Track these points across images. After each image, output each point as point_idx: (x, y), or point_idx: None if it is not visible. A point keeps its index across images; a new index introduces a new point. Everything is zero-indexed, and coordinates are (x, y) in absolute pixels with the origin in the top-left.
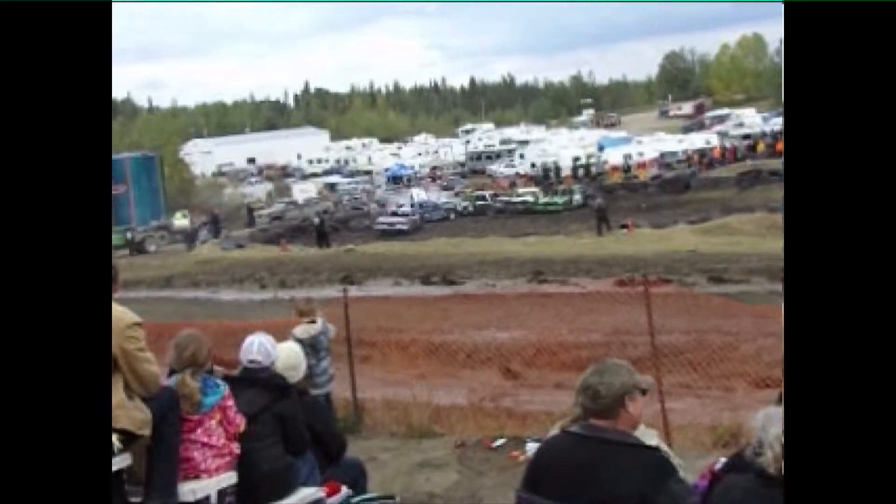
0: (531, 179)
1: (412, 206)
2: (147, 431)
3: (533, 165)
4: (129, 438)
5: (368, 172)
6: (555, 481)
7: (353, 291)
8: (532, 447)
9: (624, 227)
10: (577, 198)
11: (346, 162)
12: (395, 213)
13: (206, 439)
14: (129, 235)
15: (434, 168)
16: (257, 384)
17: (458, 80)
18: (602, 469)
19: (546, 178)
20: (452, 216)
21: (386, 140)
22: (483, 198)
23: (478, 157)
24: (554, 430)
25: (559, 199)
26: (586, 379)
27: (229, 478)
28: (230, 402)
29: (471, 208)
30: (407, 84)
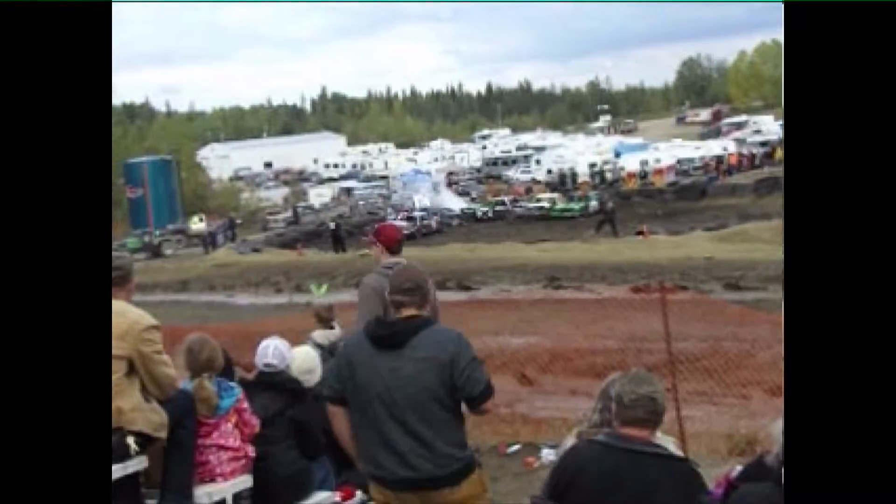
0: (547, 185)
1: (415, 210)
2: (163, 434)
3: (549, 171)
4: (145, 441)
5: (385, 177)
6: (581, 492)
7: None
8: (547, 453)
9: (640, 233)
10: (594, 204)
11: (363, 167)
12: (409, 218)
13: (222, 442)
14: (146, 239)
15: (450, 173)
16: (273, 388)
17: (475, 86)
18: (632, 481)
19: (562, 184)
20: (455, 222)
21: (402, 145)
22: (503, 203)
23: (494, 162)
24: (570, 437)
25: (575, 206)
26: (635, 389)
27: (244, 481)
28: (245, 405)
29: (490, 213)
30: (423, 89)
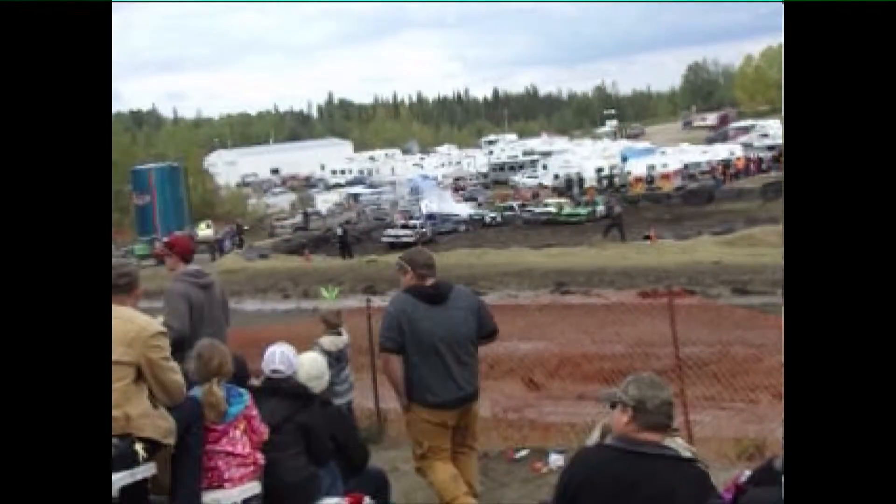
0: (554, 190)
1: (419, 217)
2: (172, 440)
3: (556, 176)
4: (153, 447)
5: (391, 183)
6: (593, 497)
7: (376, 302)
8: (555, 459)
9: (647, 238)
10: (601, 209)
11: (370, 172)
12: (405, 226)
13: (230, 448)
14: (155, 245)
15: (457, 179)
16: (280, 394)
17: (481, 91)
18: (646, 485)
19: (569, 189)
20: (462, 227)
21: (409, 151)
22: (511, 208)
23: (500, 167)
24: (596, 430)
25: (582, 210)
26: (657, 394)
27: (253, 488)
28: (254, 411)
29: (499, 219)
30: (430, 95)
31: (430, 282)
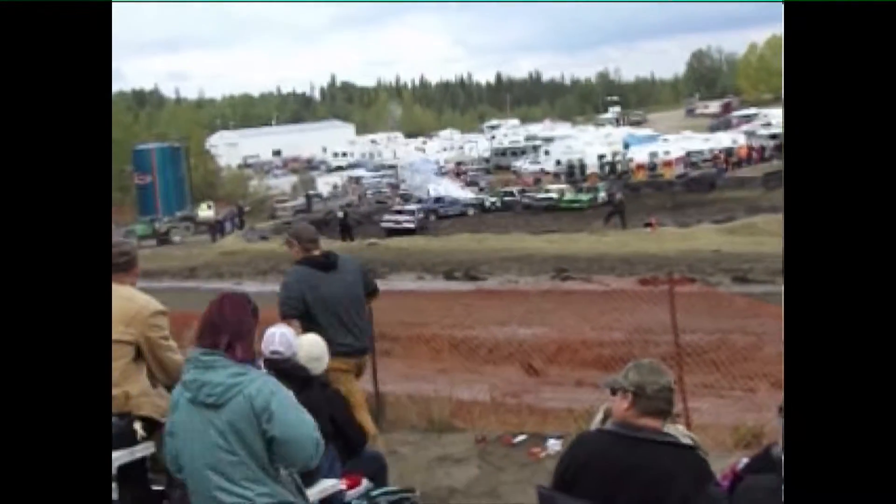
0: (556, 176)
1: (420, 203)
2: None
3: (558, 162)
4: (152, 426)
5: (393, 167)
6: (592, 481)
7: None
8: (553, 444)
9: (648, 225)
10: (602, 195)
11: (371, 156)
12: (400, 212)
13: None
14: (155, 225)
15: (458, 163)
16: (279, 375)
17: (484, 76)
18: (645, 470)
19: (571, 175)
20: (471, 211)
21: (411, 134)
22: (511, 194)
23: (502, 153)
24: (599, 413)
25: (584, 197)
26: (657, 380)
27: None
28: None
29: (498, 204)
30: (433, 79)
31: (316, 252)
